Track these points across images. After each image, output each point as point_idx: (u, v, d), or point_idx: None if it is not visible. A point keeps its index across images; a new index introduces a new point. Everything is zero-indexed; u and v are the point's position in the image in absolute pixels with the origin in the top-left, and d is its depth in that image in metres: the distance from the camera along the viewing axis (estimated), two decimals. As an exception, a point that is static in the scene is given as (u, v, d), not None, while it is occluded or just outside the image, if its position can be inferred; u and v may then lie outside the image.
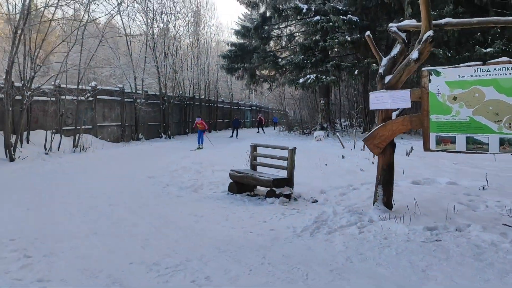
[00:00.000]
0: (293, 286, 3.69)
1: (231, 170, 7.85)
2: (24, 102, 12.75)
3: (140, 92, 23.56)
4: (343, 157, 12.57)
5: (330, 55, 21.18)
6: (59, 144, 15.11)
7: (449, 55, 17.76)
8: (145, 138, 24.03)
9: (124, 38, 23.04)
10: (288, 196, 7.00)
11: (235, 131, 27.93)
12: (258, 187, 7.92)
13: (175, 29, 26.38)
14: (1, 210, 6.85)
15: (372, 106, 6.01)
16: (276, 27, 23.43)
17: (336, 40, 18.97)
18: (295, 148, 7.33)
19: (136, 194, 8.16)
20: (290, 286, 3.69)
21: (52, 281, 3.96)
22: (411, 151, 12.60)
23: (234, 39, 27.15)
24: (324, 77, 19.54)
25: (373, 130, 5.98)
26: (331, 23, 19.50)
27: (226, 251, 4.62)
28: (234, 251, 4.62)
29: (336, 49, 20.29)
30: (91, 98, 18.53)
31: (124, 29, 22.18)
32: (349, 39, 19.02)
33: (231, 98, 41.53)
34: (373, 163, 10.66)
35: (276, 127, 39.11)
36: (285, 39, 23.27)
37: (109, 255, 4.67)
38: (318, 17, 19.91)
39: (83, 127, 17.54)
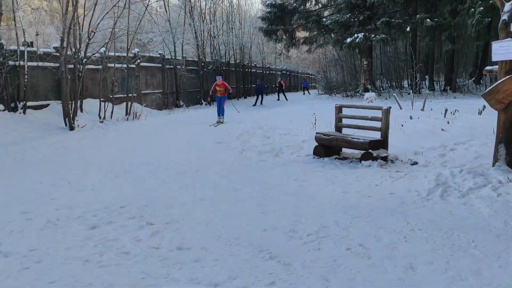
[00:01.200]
0: (465, 253, 3.38)
1: (317, 133, 7.50)
2: (80, 70, 12.57)
3: (180, 58, 23.20)
4: (411, 117, 12.00)
5: (377, 12, 20.24)
6: (112, 113, 15.01)
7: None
8: (186, 105, 23.85)
9: (161, 3, 22.51)
10: (385, 159, 6.64)
11: (259, 98, 24.49)
12: (344, 150, 7.57)
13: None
14: (91, 178, 6.73)
15: (495, 57, 5.51)
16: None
17: (386, -5, 18.07)
18: (389, 107, 6.90)
19: (215, 159, 7.93)
20: (463, 254, 3.37)
21: (193, 249, 3.75)
22: (483, 109, 11.94)
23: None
24: (373, 35, 18.73)
25: (495, 84, 5.49)
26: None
27: (358, 216, 4.33)
28: (367, 216, 4.33)
29: (384, 6, 19.34)
30: (133, 66, 18.28)
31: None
32: (400, -7, 18.07)
33: (263, 62, 40.76)
34: (448, 122, 10.15)
35: (305, 92, 38.05)
36: (329, -3, 22.35)
37: (232, 220, 4.44)
38: (365, -28, 18.97)
39: (129, 95, 17.44)
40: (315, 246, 3.63)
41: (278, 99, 27.61)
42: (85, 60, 12.53)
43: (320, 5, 23.35)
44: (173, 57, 22.94)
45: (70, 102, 12.51)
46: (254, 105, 23.67)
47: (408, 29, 18.26)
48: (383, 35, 18.56)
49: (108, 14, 14.86)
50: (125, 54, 16.34)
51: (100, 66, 14.81)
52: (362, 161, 6.66)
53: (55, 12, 13.63)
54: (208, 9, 25.20)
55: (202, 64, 25.28)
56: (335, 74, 30.18)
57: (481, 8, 16.49)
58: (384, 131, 6.79)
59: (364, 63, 24.38)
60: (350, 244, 3.62)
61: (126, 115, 15.36)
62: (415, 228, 3.90)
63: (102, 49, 15.41)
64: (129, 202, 5.32)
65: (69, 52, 13.01)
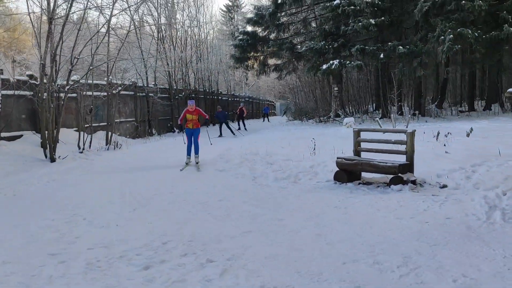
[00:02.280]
0: None
1: (338, 158, 7.33)
2: (62, 98, 11.89)
3: (152, 85, 22.70)
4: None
5: (350, 40, 20.73)
6: (90, 143, 14.27)
7: (476, 35, 17.49)
8: (158, 133, 23.23)
9: (133, 33, 22.04)
10: (414, 182, 6.56)
11: (223, 126, 20.93)
12: (363, 175, 7.44)
13: (181, 20, 25.49)
14: (107, 213, 6.21)
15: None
16: (291, 12, 22.77)
17: (360, 24, 18.52)
18: (414, 130, 6.86)
19: (232, 188, 7.60)
20: None
21: (278, 287, 3.42)
22: (471, 131, 12.28)
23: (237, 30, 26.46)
24: (348, 62, 19.10)
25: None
26: (353, 7, 19.04)
27: (435, 244, 4.15)
28: (444, 243, 4.15)
29: (359, 34, 19.84)
30: (105, 94, 17.61)
31: (134, 24, 21.14)
32: (373, 22, 18.59)
33: (228, 90, 40.79)
34: (444, 145, 10.29)
35: (265, 119, 38.17)
36: (301, 25, 22.65)
37: (301, 253, 4.14)
38: (338, 1, 19.41)
39: (103, 123, 16.75)
40: (415, 279, 3.39)
41: (239, 128, 23.71)
42: (67, 87, 11.88)
43: (293, 33, 23.66)
44: (145, 85, 22.41)
45: (52, 132, 11.75)
46: (220, 136, 20.08)
47: (381, 56, 18.77)
48: (358, 62, 18.97)
49: (86, 41, 14.33)
50: (99, 82, 15.70)
51: (75, 94, 14.14)
52: (392, 186, 6.53)
53: (33, 37, 12.81)
54: (179, 38, 24.95)
55: (174, 91, 24.86)
56: (303, 101, 30.41)
57: (451, 36, 17.22)
58: (410, 154, 6.73)
59: (335, 89, 24.80)
60: (453, 276, 3.40)
61: (106, 144, 14.65)
62: (507, 254, 3.76)
63: (75, 77, 14.73)
64: (169, 237, 4.89)
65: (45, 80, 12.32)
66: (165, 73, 24.90)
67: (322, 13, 20.62)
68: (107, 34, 13.68)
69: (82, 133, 13.98)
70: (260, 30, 23.71)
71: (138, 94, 21.43)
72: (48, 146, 11.60)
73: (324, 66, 19.54)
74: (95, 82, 15.39)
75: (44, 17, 11.56)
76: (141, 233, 5.16)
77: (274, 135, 18.47)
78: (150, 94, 22.22)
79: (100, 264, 4.22)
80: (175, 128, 24.86)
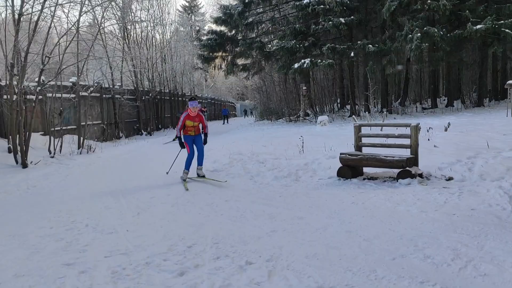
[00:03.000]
0: None
1: (342, 154, 7.25)
2: (34, 100, 11.19)
3: (117, 87, 21.95)
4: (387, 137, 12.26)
5: (320, 39, 20.89)
6: (61, 147, 13.53)
7: (442, 33, 18.03)
8: (125, 135, 22.50)
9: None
10: (421, 176, 6.57)
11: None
12: (365, 170, 7.40)
13: (147, 19, 24.80)
14: (109, 218, 5.84)
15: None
16: (258, 11, 22.64)
17: (331, 22, 18.67)
18: (418, 123, 6.88)
19: (233, 188, 7.37)
20: None
21: (336, 287, 3.25)
22: (448, 126, 12.58)
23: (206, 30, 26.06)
24: (319, 61, 19.20)
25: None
26: (322, 6, 19.19)
27: (476, 236, 4.10)
28: (485, 234, 4.12)
29: (329, 33, 20.00)
30: (73, 95, 16.82)
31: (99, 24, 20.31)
32: (343, 21, 18.80)
33: (191, 91, 40.23)
34: (429, 139, 10.48)
35: (224, 121, 37.49)
36: (270, 24, 22.55)
37: (340, 251, 3.99)
38: (307, 0, 19.50)
39: (68, 127, 16.00)
40: (476, 272, 3.32)
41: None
42: (39, 88, 11.19)
43: (260, 32, 23.53)
44: (111, 86, 21.64)
45: (23, 136, 11.05)
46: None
47: (352, 54, 19.01)
48: (330, 60, 19.12)
49: (55, 40, 13.61)
50: (65, 83, 14.93)
51: (40, 96, 13.38)
52: (400, 180, 6.51)
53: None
54: (143, 38, 24.29)
55: (140, 93, 24.17)
56: (270, 101, 30.27)
57: (419, 34, 17.67)
58: (415, 148, 6.74)
59: (303, 88, 24.92)
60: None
61: (78, 148, 13.96)
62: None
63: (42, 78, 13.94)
64: (191, 241, 4.62)
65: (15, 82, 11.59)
66: (130, 74, 24.16)
67: (292, 12, 20.65)
68: (77, 34, 13.00)
69: (52, 137, 13.26)
70: (227, 29, 23.43)
71: (104, 96, 20.67)
72: (20, 151, 10.87)
73: (296, 65, 19.56)
74: (62, 83, 14.66)
75: (11, 13, 10.83)
76: (156, 238, 4.85)
77: (249, 135, 18.27)
78: (116, 96, 21.49)
79: (128, 272, 3.90)
80: (142, 131, 24.20)
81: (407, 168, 6.49)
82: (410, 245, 3.97)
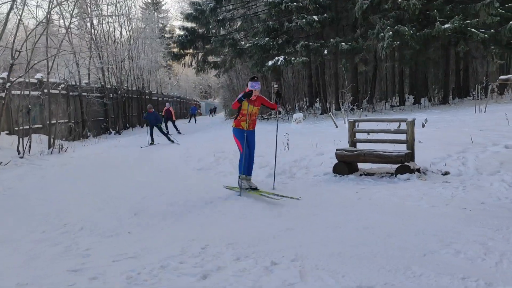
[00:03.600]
0: None
1: (338, 150, 7.17)
2: (4, 96, 10.53)
3: (84, 84, 21.17)
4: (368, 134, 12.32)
5: (293, 36, 20.87)
6: (30, 147, 12.86)
7: (411, 32, 18.40)
8: (93, 135, 21.71)
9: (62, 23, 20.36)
10: (419, 170, 6.59)
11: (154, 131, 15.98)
12: (360, 166, 7.36)
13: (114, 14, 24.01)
14: (109, 221, 5.52)
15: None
16: (230, 8, 22.37)
17: (304, 20, 18.69)
18: (414, 119, 6.90)
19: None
20: None
21: (376, 286, 3.14)
22: (426, 122, 12.78)
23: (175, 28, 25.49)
24: (293, 58, 19.20)
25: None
26: (296, 3, 19.19)
27: (499, 228, 4.09)
28: (507, 227, 4.11)
29: (302, 30, 20.02)
30: (38, 93, 16.04)
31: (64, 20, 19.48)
32: (316, 19, 18.87)
33: (157, 89, 39.48)
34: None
35: (191, 119, 35.96)
36: (242, 21, 22.32)
37: (367, 248, 3.87)
38: (280, -3, 19.47)
39: (34, 126, 15.25)
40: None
41: (168, 132, 17.45)
42: (9, 84, 10.54)
43: (232, 29, 23.27)
44: (77, 83, 20.82)
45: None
46: (151, 143, 15.57)
47: (325, 52, 19.12)
48: (304, 58, 19.14)
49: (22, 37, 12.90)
50: (32, 80, 14.18)
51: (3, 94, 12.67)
52: (398, 175, 6.51)
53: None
54: (112, 33, 23.52)
55: (108, 90, 23.42)
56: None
57: (390, 32, 17.96)
58: (411, 143, 6.76)
59: (275, 86, 24.84)
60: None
61: (49, 148, 13.31)
62: None
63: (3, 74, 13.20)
64: (203, 242, 4.41)
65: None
66: (97, 71, 23.36)
67: (265, 9, 20.54)
68: (47, 27, 12.36)
69: (20, 137, 12.57)
70: (197, 26, 23.04)
71: (71, 93, 19.87)
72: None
73: (270, 63, 19.49)
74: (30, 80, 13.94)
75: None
76: (163, 239, 4.61)
77: (224, 133, 18.03)
78: (83, 93, 20.72)
79: (145, 277, 3.65)
80: (111, 130, 23.47)
81: (406, 163, 6.49)
82: (435, 240, 3.91)
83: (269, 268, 3.63)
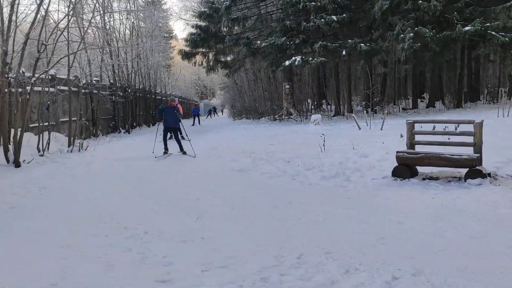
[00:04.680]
0: None
1: (399, 152, 6.80)
2: (28, 92, 10.05)
3: (96, 81, 20.66)
4: (401, 136, 11.97)
5: (310, 36, 20.49)
6: (48, 145, 12.37)
7: (431, 34, 18.11)
8: (102, 134, 21.20)
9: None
10: (489, 175, 6.24)
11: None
12: (421, 170, 6.99)
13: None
14: (166, 223, 5.12)
15: None
16: (246, 6, 21.91)
17: (323, 20, 18.35)
18: (482, 121, 6.55)
19: (277, 188, 6.80)
20: None
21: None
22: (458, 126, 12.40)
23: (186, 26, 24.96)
24: (311, 58, 18.83)
25: None
26: (314, 3, 18.83)
27: None
28: None
29: (320, 30, 19.66)
30: (52, 89, 15.54)
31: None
32: (335, 19, 18.53)
33: (162, 89, 38.98)
34: (449, 138, 10.26)
35: (195, 121, 32.57)
36: (256, 20, 21.86)
37: (491, 262, 3.52)
38: (298, -4, 19.09)
39: (45, 123, 14.73)
40: None
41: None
42: (34, 79, 10.08)
43: (246, 28, 22.83)
44: (89, 80, 20.31)
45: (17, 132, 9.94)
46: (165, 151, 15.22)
47: (343, 53, 18.78)
48: (322, 58, 18.78)
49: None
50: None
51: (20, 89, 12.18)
52: (469, 180, 6.15)
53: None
54: (123, 30, 23.03)
55: (119, 89, 22.93)
56: (250, 99, 29.43)
57: (411, 34, 17.67)
58: (479, 146, 6.40)
59: (286, 87, 24.55)
60: None
61: (68, 146, 12.84)
62: None
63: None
64: (296, 250, 4.02)
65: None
66: (106, 68, 22.85)
67: (279, 8, 20.17)
68: (71, 19, 11.91)
69: (38, 133, 12.11)
70: (212, 24, 22.61)
71: (83, 90, 19.36)
72: (14, 148, 9.75)
73: (287, 62, 19.11)
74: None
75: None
76: (245, 246, 4.22)
77: (239, 134, 17.67)
78: (94, 91, 20.22)
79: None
80: (120, 129, 22.99)
81: (477, 167, 6.13)
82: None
83: (391, 283, 3.26)
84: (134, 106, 26.89)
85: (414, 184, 6.39)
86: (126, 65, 23.34)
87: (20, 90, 10.00)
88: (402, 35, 18.08)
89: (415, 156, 6.61)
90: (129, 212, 5.73)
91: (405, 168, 6.68)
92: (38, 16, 9.59)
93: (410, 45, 17.61)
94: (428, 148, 6.94)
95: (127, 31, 26.04)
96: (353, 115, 15.92)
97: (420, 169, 6.99)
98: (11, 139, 10.29)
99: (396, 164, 6.83)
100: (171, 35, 59.55)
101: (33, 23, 9.45)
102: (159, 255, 4.12)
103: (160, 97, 37.87)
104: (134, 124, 27.03)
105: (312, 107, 26.99)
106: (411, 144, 7.00)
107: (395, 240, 4.16)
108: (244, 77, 25.93)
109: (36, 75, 11.18)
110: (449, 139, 7.32)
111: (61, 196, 6.88)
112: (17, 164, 9.87)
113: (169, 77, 62.90)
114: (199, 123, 33.47)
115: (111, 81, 22.89)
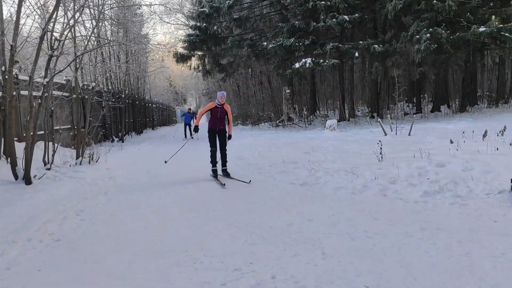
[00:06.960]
0: None
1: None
2: (40, 95, 8.55)
3: (86, 86, 19.04)
4: (451, 141, 10.96)
5: (319, 37, 19.50)
6: (53, 156, 10.83)
7: (445, 35, 17.45)
8: (94, 142, 19.54)
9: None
10: None
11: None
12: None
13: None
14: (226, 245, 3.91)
15: None
16: (250, 5, 20.74)
17: (335, 20, 17.41)
18: None
19: (367, 205, 5.65)
20: None
21: None
22: (504, 130, 11.54)
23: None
24: (322, 61, 17.83)
25: None
26: (324, 2, 17.89)
27: None
28: None
29: (330, 31, 18.73)
30: (55, 94, 13.93)
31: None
32: (347, 19, 17.63)
33: (149, 95, 37.37)
34: (497, 148, 9.23)
35: (188, 130, 31.36)
36: (260, 20, 20.72)
37: None
38: (307, -5, 18.11)
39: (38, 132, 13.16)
40: None
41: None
42: (47, 80, 8.60)
43: (249, 29, 21.63)
44: (81, 85, 18.69)
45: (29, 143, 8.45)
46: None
47: (356, 54, 17.89)
48: (334, 60, 17.80)
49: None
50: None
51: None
52: None
53: None
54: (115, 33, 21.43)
55: (112, 94, 21.33)
56: (247, 104, 28.26)
57: (428, 35, 16.95)
58: None
59: (287, 91, 23.53)
60: None
61: (77, 158, 11.32)
62: None
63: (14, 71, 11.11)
64: (361, 276, 2.87)
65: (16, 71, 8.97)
66: (95, 72, 21.22)
67: (289, 7, 19.13)
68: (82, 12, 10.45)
69: (48, 145, 10.57)
70: (209, 25, 21.31)
71: (73, 96, 17.71)
72: (25, 163, 8.25)
73: (297, 65, 18.07)
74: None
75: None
76: (301, 268, 3.06)
77: (252, 141, 16.43)
78: (86, 97, 18.58)
79: None
80: (113, 137, 21.35)
81: None
82: None
83: None
84: (124, 113, 25.30)
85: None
86: (120, 67, 21.77)
87: (34, 94, 8.48)
88: (417, 36, 17.36)
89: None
90: (218, 243, 4.46)
91: (530, 182, 5.66)
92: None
93: (427, 46, 16.89)
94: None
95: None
96: (379, 120, 14.96)
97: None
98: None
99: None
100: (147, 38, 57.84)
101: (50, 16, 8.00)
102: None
103: (144, 104, 36.24)
104: (125, 132, 25.43)
105: (306, 112, 26.05)
106: None
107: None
108: (242, 81, 24.76)
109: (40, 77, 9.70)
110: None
111: (108, 223, 5.52)
112: (28, 181, 8.39)
113: (149, 84, 61.09)
114: (191, 136, 30.69)
115: (101, 85, 21.29)
